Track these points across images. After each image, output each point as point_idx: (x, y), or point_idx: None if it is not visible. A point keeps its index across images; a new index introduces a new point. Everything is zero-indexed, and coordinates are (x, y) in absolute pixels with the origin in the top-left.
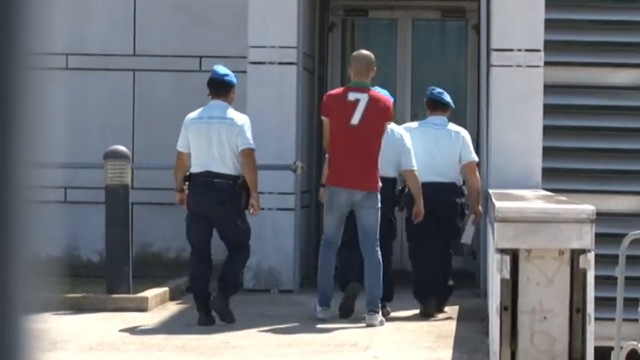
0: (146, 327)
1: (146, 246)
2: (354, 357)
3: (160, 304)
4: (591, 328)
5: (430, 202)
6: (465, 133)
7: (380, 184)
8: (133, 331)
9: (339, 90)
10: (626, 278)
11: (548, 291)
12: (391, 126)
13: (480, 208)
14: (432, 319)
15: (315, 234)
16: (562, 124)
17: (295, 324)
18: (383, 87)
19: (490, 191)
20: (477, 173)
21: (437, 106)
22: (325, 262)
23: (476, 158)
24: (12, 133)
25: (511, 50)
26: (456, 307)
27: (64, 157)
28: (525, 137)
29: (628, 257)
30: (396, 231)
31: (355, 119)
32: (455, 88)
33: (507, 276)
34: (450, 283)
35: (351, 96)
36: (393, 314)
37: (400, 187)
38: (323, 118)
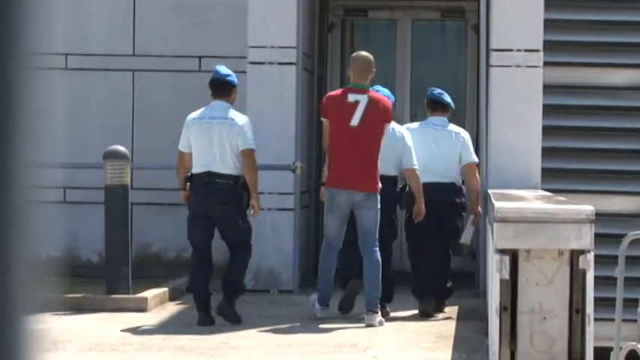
0: (146, 327)
1: (145, 246)
2: (353, 357)
3: (159, 304)
4: (591, 328)
5: (430, 203)
6: (465, 134)
7: (380, 185)
8: (132, 331)
9: (338, 91)
10: (626, 279)
11: (547, 291)
12: (392, 124)
13: (480, 208)
14: (432, 319)
15: (315, 234)
16: (561, 124)
17: (295, 324)
18: (383, 87)
19: (489, 191)
20: (477, 174)
21: (437, 106)
22: (326, 263)
23: (476, 159)
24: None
25: (510, 50)
26: (456, 308)
27: (64, 157)
28: (525, 137)
29: (627, 258)
30: (397, 231)
31: (355, 121)
32: (454, 89)
33: (507, 276)
34: (449, 284)
35: (351, 97)
36: (392, 314)
37: (401, 186)
38: (322, 119)
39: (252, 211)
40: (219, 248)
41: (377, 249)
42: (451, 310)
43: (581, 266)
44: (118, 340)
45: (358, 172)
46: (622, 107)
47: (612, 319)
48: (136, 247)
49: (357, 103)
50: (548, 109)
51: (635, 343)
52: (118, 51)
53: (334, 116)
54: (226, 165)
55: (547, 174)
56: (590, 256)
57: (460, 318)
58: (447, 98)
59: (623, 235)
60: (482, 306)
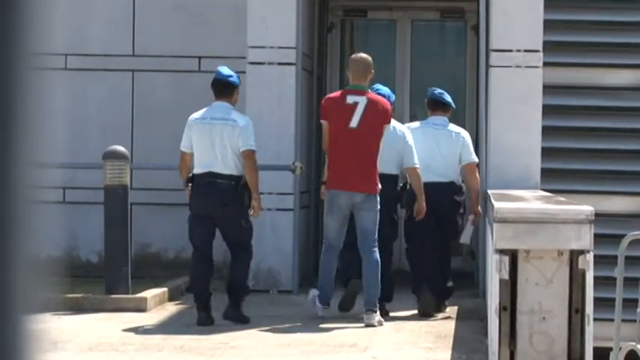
0: (145, 327)
1: (145, 246)
2: (353, 357)
3: (158, 304)
4: (590, 328)
5: (430, 202)
6: (465, 134)
7: (379, 186)
8: (132, 331)
9: (337, 93)
10: (625, 279)
11: (547, 291)
12: (393, 123)
13: (480, 208)
14: (431, 319)
15: (315, 234)
16: (561, 124)
17: (294, 324)
18: (383, 85)
19: (489, 192)
20: (477, 174)
21: (438, 106)
22: (327, 263)
23: (476, 159)
24: (12, 133)
25: (510, 51)
26: (455, 308)
27: (64, 158)
28: (524, 138)
29: (627, 258)
30: (397, 230)
31: (354, 122)
32: (454, 89)
33: (506, 276)
34: (450, 284)
35: (350, 99)
36: (392, 314)
37: (401, 185)
38: (322, 121)
39: (252, 212)
40: (219, 248)
41: (376, 249)
42: (451, 310)
43: (580, 266)
44: (117, 340)
45: (358, 174)
46: (621, 108)
47: (612, 320)
48: (136, 247)
49: (355, 104)
50: (547, 110)
51: (634, 344)
52: (118, 51)
53: (333, 118)
54: (228, 165)
55: (547, 174)
56: (590, 257)
57: (459, 318)
58: (448, 98)
59: (623, 236)
60: (482, 306)
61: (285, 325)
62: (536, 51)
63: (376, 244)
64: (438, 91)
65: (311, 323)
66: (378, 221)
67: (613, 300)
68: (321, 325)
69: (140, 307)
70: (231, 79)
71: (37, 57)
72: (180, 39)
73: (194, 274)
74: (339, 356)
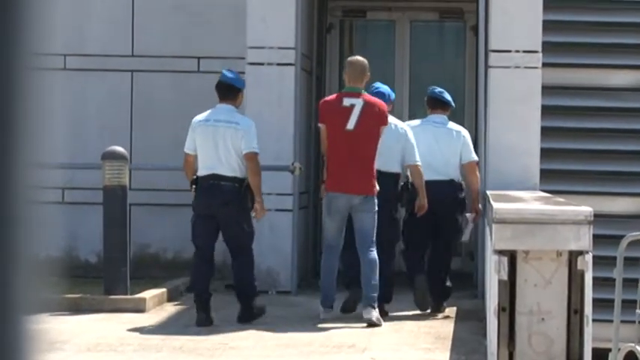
0: (144, 328)
1: (144, 247)
2: (351, 358)
3: (157, 305)
4: (589, 329)
5: (430, 200)
6: (465, 133)
7: (377, 187)
8: (130, 332)
9: (333, 96)
10: (624, 280)
11: (546, 292)
12: (394, 121)
13: (480, 206)
14: (430, 319)
15: (314, 235)
16: (560, 125)
17: (293, 325)
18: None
19: (488, 192)
20: (477, 173)
21: (437, 104)
22: (327, 265)
23: (476, 158)
24: (12, 133)
25: (509, 51)
26: (454, 308)
27: (63, 158)
28: (523, 138)
29: (626, 259)
30: (399, 231)
31: (350, 124)
32: (453, 89)
33: (505, 277)
34: (448, 284)
35: (346, 101)
36: (391, 315)
37: (402, 183)
38: (320, 125)
39: (254, 214)
40: (218, 249)
41: (374, 249)
42: (449, 311)
43: (579, 267)
44: (116, 340)
45: (355, 176)
46: (621, 108)
47: (611, 321)
48: (135, 247)
49: (352, 106)
50: (547, 110)
51: (633, 345)
52: (117, 51)
53: (330, 120)
54: (231, 168)
55: (546, 175)
56: (589, 257)
57: (458, 319)
58: (448, 96)
59: (622, 237)
60: (481, 307)
61: (284, 326)
62: (536, 52)
63: (374, 244)
64: (438, 89)
65: (310, 324)
66: (375, 222)
67: (612, 301)
68: (320, 326)
69: (139, 308)
70: (235, 81)
71: (37, 57)
72: (180, 39)
73: (195, 273)
74: (338, 357)
